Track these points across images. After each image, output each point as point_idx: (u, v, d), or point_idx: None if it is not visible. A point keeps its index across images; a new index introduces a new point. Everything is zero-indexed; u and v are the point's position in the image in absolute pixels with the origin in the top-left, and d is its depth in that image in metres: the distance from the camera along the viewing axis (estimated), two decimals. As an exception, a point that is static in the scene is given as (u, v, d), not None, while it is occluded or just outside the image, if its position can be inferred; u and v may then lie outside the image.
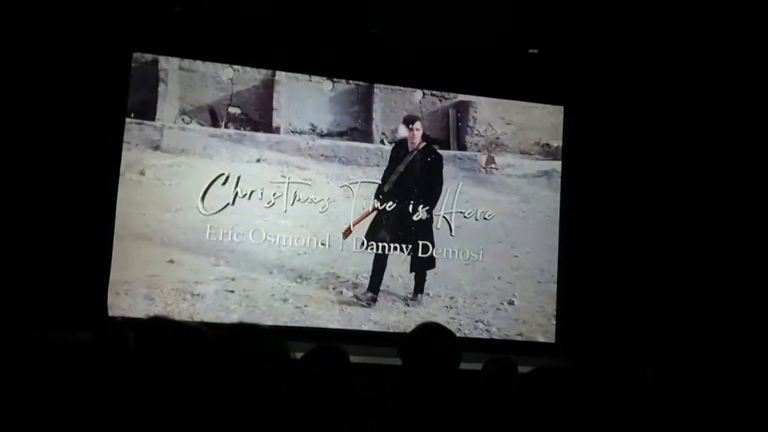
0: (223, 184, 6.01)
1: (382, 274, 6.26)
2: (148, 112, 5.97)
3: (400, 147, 6.43)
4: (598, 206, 6.52)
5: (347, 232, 6.19)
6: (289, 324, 5.91)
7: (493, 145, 6.64)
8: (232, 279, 5.96)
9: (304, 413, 2.52)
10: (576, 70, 6.45)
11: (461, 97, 6.62)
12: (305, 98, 6.30)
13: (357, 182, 6.28)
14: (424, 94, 6.53)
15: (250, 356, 2.23)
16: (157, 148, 5.96)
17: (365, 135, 6.40)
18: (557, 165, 6.71)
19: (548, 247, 6.58)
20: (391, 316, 6.19)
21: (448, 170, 6.49)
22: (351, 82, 6.39)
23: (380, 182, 6.32)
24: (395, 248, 6.29)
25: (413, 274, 6.32)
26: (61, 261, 5.56)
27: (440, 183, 6.44)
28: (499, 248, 6.53)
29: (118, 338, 3.91)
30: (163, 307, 5.58)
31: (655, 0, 5.50)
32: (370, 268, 6.25)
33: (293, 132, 6.26)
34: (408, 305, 6.24)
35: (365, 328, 6.11)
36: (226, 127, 6.12)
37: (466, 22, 5.93)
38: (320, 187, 6.21)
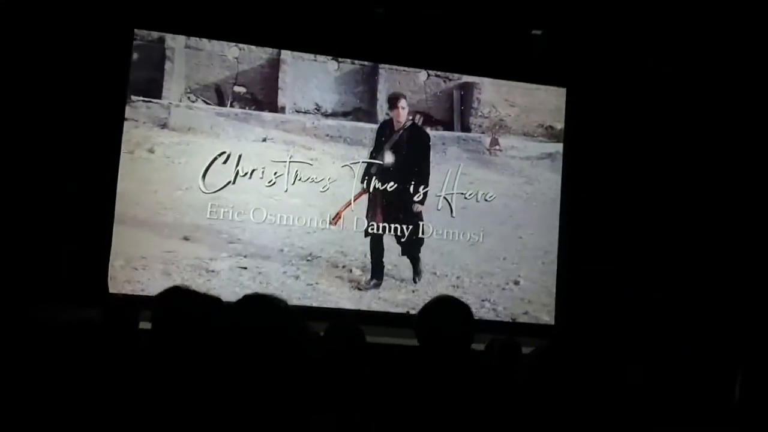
0: (224, 162, 6.00)
1: (381, 257, 6.26)
2: (154, 90, 5.96)
3: (386, 126, 6.39)
4: (599, 189, 6.54)
5: (336, 219, 6.16)
6: (302, 300, 5.92)
7: (497, 127, 6.65)
8: (245, 256, 5.97)
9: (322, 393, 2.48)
10: (578, 52, 6.48)
11: (465, 79, 6.62)
12: (310, 78, 6.29)
13: (358, 162, 6.28)
14: (428, 75, 6.54)
15: (273, 328, 2.20)
16: (164, 126, 5.95)
17: (370, 115, 6.40)
18: (560, 147, 6.73)
19: (552, 228, 6.59)
20: (400, 295, 6.21)
21: (451, 151, 6.50)
22: (356, 62, 6.39)
23: (367, 163, 6.28)
24: (387, 229, 6.26)
25: (405, 256, 6.31)
26: (64, 240, 5.56)
27: (428, 161, 6.40)
28: (504, 229, 6.54)
29: (126, 316, 3.90)
30: (181, 282, 5.57)
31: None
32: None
33: (298, 112, 6.26)
34: (415, 284, 6.26)
35: (375, 306, 6.14)
36: (231, 106, 6.11)
37: (470, 3, 5.96)
38: (326, 166, 6.21)
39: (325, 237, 6.16)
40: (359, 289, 6.16)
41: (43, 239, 5.51)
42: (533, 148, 6.71)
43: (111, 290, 5.61)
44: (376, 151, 6.32)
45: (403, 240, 6.30)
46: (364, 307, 6.11)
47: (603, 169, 6.57)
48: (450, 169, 6.44)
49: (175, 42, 6.02)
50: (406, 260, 6.30)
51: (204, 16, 5.87)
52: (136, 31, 5.92)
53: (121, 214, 5.79)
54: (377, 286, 6.22)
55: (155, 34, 6.00)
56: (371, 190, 6.25)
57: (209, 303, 2.94)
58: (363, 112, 6.39)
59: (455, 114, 6.59)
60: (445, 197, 6.40)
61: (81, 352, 2.92)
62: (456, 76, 6.61)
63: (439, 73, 6.56)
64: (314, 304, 5.96)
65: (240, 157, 6.01)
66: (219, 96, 6.09)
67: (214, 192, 5.96)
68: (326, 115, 6.30)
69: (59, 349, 3.08)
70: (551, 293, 6.50)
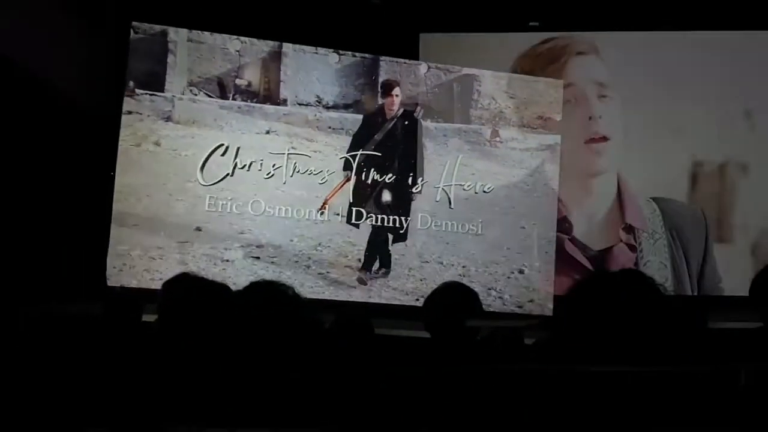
0: (222, 155, 5.99)
1: (387, 247, 6.25)
2: (156, 83, 5.95)
3: (377, 114, 6.37)
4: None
5: (323, 207, 6.13)
6: (314, 288, 5.92)
7: (497, 119, 6.68)
8: (257, 246, 5.98)
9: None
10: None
11: (465, 71, 6.65)
12: (311, 70, 6.30)
13: (357, 153, 6.27)
14: (428, 67, 6.57)
15: (281, 314, 2.18)
16: (168, 119, 5.95)
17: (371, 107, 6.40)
18: (559, 139, 6.77)
19: (553, 218, 6.62)
20: (408, 284, 6.21)
21: (452, 143, 6.51)
22: (357, 54, 6.41)
23: (355, 152, 6.23)
24: (375, 219, 6.24)
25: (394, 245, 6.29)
26: (67, 234, 5.54)
27: (420, 151, 6.39)
28: (506, 220, 6.55)
29: (129, 309, 3.87)
30: (197, 271, 5.55)
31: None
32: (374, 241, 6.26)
33: (300, 104, 6.27)
34: (421, 271, 6.26)
35: (384, 294, 6.16)
36: (233, 98, 6.11)
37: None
38: (330, 158, 6.20)
39: (330, 229, 6.16)
40: (366, 281, 6.16)
41: (47, 234, 5.48)
42: (533, 139, 6.74)
43: (127, 279, 5.62)
44: (365, 139, 6.27)
45: (400, 231, 6.29)
46: (374, 297, 6.13)
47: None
48: (448, 161, 6.44)
49: (178, 35, 6.02)
50: (413, 249, 6.30)
51: (205, 9, 5.89)
52: (137, 24, 5.92)
53: (132, 206, 5.80)
54: (386, 275, 6.21)
55: (157, 27, 5.99)
56: (358, 178, 6.21)
57: (217, 290, 2.93)
58: (364, 104, 6.40)
59: (455, 106, 6.62)
60: (443, 188, 6.40)
61: (83, 345, 2.89)
62: (456, 68, 6.63)
63: (439, 65, 6.59)
64: (326, 294, 5.99)
65: (238, 149, 6.00)
66: (221, 89, 6.09)
67: (213, 184, 5.95)
68: (327, 108, 6.31)
69: (61, 343, 3.05)
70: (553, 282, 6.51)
